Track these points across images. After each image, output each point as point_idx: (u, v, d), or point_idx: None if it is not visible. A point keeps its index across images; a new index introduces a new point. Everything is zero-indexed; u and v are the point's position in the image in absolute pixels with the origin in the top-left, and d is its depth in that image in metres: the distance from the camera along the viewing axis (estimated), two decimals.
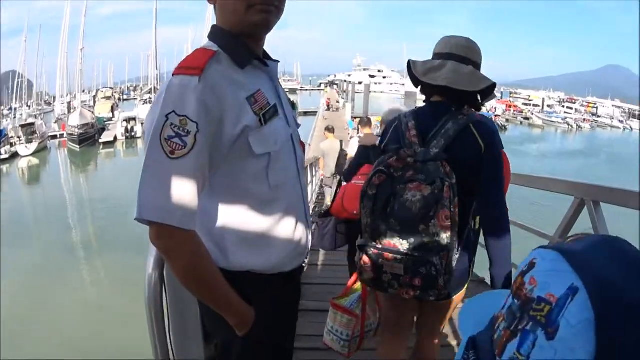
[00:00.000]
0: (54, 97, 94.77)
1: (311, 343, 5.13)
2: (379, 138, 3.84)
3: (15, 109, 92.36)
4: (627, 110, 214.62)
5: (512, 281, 1.17)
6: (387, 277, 2.95)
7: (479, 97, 3.22)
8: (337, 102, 74.79)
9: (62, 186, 46.55)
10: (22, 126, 64.51)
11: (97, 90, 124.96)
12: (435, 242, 2.82)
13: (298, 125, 2.64)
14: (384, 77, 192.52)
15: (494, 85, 3.12)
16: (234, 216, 2.28)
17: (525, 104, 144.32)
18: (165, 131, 1.95)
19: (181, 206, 1.99)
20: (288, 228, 2.41)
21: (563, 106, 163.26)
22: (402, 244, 2.87)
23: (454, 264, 2.93)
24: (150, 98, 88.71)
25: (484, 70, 3.21)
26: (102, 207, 33.77)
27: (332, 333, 3.98)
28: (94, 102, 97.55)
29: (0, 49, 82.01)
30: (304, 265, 2.71)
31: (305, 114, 77.69)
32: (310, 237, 2.67)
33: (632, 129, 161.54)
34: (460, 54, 3.11)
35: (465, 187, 2.92)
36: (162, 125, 1.95)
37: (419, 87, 3.36)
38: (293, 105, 2.67)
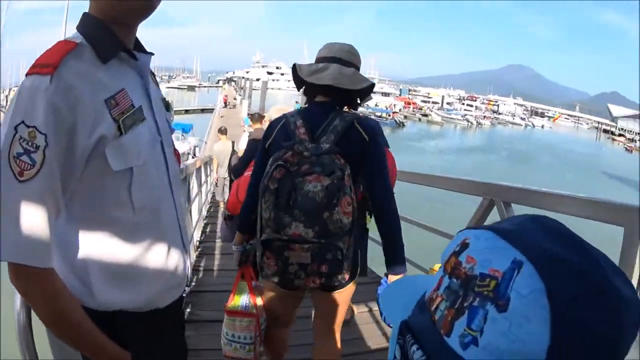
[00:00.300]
0: None
1: (207, 357, 4.99)
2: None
3: None
4: (529, 108, 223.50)
5: (444, 262, 1.17)
6: (293, 268, 3.12)
7: (357, 99, 3.55)
8: (235, 99, 75.19)
9: None
10: None
11: (10, 90, 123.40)
12: (339, 227, 3.02)
13: (172, 131, 2.42)
14: (282, 74, 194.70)
15: (372, 85, 3.43)
16: (97, 246, 1.98)
17: (425, 101, 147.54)
18: (14, 147, 1.65)
19: (35, 240, 1.69)
20: (160, 257, 2.15)
21: (463, 103, 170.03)
22: (308, 233, 3.01)
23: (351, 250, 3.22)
24: None
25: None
26: None
27: (232, 342, 3.83)
28: (7, 101, 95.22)
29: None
30: (184, 295, 2.46)
31: (203, 111, 79.31)
32: (188, 263, 2.44)
33: (534, 125, 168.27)
34: (344, 57, 3.40)
35: (354, 174, 3.18)
36: (11, 139, 1.65)
37: (302, 89, 3.56)
38: (167, 106, 2.40)
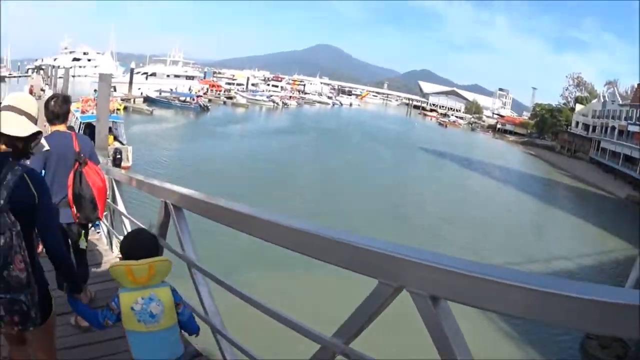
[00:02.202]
0: None
1: None
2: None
3: None
4: (336, 87, 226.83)
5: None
6: None
7: (30, 145, 3.75)
8: (42, 89, 72.21)
9: None
10: None
11: None
12: (18, 283, 3.36)
13: None
14: (89, 60, 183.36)
15: (39, 132, 3.75)
16: None
17: (230, 83, 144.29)
18: None
19: None
20: None
21: (268, 84, 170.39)
22: None
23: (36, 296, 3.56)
24: None
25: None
26: None
27: None
28: None
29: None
30: None
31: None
32: None
33: (341, 104, 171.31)
34: (15, 104, 3.73)
35: (26, 226, 3.50)
36: None
37: None
38: None
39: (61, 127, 6.61)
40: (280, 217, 3.89)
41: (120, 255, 4.53)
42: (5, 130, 3.50)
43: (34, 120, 3.78)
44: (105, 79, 28.63)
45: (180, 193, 5.60)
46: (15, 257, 3.30)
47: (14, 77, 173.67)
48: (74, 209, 6.13)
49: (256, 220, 4.21)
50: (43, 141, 3.90)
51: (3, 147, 3.56)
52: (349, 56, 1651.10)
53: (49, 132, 6.41)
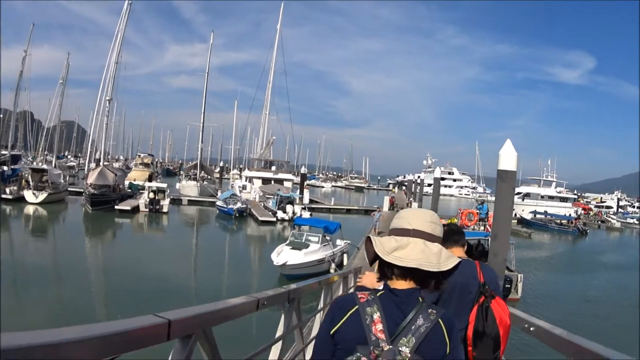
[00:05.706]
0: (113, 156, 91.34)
1: None
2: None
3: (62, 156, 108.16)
4: None
5: None
6: None
7: (441, 278, 3.01)
8: (408, 203, 77.79)
9: (51, 246, 43.56)
10: (33, 170, 61.99)
11: (137, 155, 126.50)
12: None
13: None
14: (454, 180, 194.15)
15: (459, 263, 2.98)
16: None
17: (598, 206, 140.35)
18: None
19: None
20: None
21: (633, 206, 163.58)
22: None
23: None
24: (195, 174, 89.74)
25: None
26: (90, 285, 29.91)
27: None
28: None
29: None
30: None
31: (366, 212, 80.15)
32: None
33: None
34: (427, 230, 3.01)
35: None
36: None
37: (376, 265, 3.12)
38: None
39: (458, 252, 5.58)
40: None
41: None
42: (445, 268, 2.91)
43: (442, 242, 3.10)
44: (506, 178, 18.19)
45: None
46: None
47: (374, 189, 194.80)
48: (470, 347, 5.04)
49: None
50: None
51: (407, 284, 2.95)
52: None
53: None
